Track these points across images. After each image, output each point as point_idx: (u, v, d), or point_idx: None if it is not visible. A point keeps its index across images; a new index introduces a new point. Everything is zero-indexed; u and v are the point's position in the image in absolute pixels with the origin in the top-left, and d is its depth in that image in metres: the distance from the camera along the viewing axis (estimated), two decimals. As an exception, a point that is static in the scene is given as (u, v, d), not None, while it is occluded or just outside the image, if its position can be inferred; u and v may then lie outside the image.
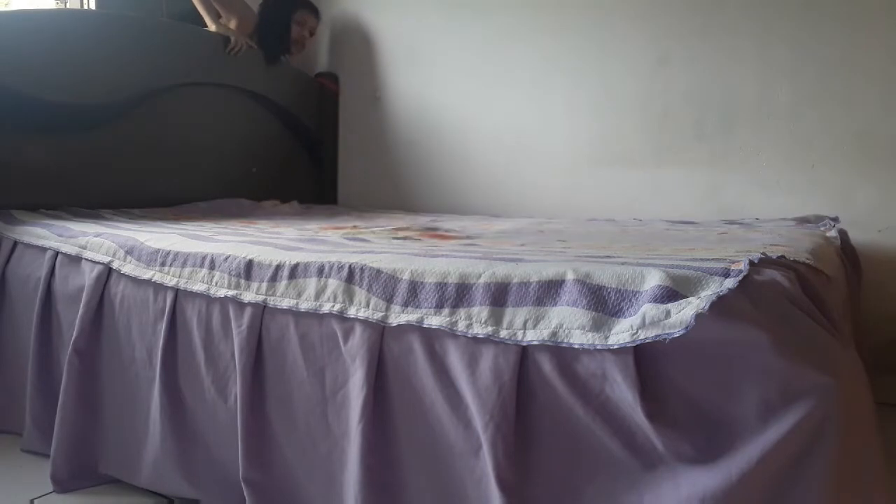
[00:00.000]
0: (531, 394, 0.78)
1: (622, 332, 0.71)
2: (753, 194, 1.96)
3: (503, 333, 0.78)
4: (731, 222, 1.77)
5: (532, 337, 0.77)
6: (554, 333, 0.75)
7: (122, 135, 1.99)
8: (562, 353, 0.75)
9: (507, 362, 0.78)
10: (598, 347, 0.72)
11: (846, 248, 1.57)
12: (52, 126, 1.81)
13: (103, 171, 1.94)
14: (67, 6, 2.20)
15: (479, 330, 0.80)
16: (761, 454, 0.64)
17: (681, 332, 0.67)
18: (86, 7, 2.21)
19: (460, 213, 2.36)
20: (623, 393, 0.71)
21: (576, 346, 0.74)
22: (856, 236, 1.70)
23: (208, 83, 2.24)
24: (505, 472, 0.77)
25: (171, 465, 1.11)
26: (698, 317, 0.66)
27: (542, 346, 0.76)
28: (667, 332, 0.68)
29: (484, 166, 2.43)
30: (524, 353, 0.78)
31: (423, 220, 1.95)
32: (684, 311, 0.68)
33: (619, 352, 0.71)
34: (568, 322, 0.75)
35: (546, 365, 0.76)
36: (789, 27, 1.91)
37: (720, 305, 0.67)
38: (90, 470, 1.24)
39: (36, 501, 1.19)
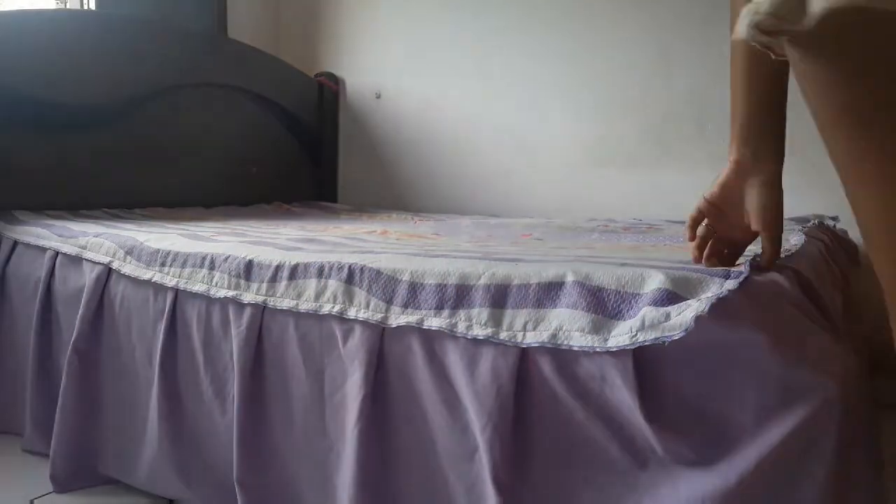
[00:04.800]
0: (530, 395, 0.78)
1: (621, 335, 0.71)
2: (753, 194, 1.95)
3: (503, 335, 0.78)
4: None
5: (532, 339, 0.76)
6: (553, 336, 0.75)
7: (122, 135, 1.99)
8: (561, 355, 0.75)
9: (507, 364, 0.78)
10: (598, 350, 0.72)
11: (846, 247, 1.57)
12: (52, 126, 1.81)
13: (103, 171, 1.94)
14: (67, 6, 2.20)
15: (479, 331, 0.80)
16: (760, 457, 0.64)
17: (680, 335, 0.67)
18: (86, 7, 2.21)
19: (460, 212, 2.36)
20: (622, 395, 0.71)
21: (575, 349, 0.74)
22: (856, 236, 1.70)
23: (208, 83, 2.25)
24: (502, 473, 0.77)
25: (167, 467, 1.11)
26: (698, 319, 0.66)
27: (542, 348, 0.76)
28: (666, 334, 0.67)
29: (484, 166, 2.43)
30: (523, 355, 0.78)
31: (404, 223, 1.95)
32: (684, 314, 0.68)
33: (618, 354, 0.71)
34: (567, 324, 0.75)
35: (546, 367, 0.76)
36: (789, 27, 1.91)
37: (720, 307, 0.67)
38: (89, 470, 1.24)
39: (36, 501, 1.19)
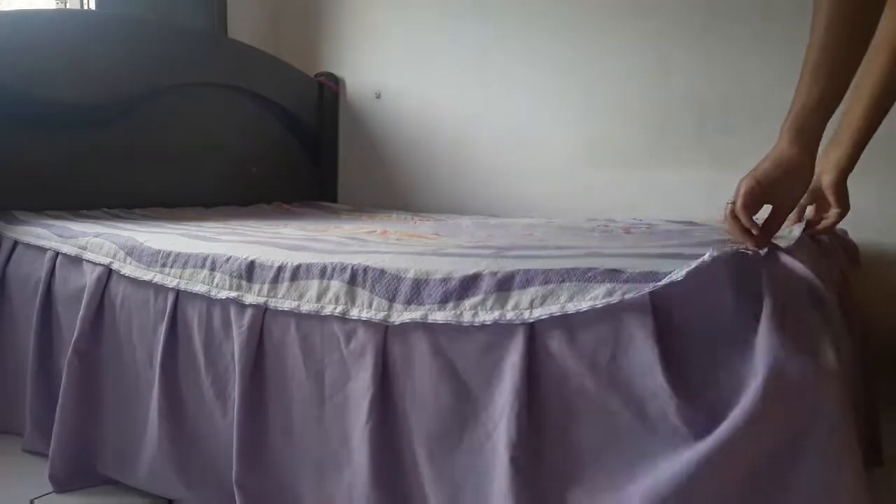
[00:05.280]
0: (540, 371, 0.78)
1: (639, 292, 0.72)
2: (753, 194, 1.95)
3: (509, 315, 0.78)
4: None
5: (540, 313, 0.77)
6: (563, 308, 0.76)
7: (122, 135, 1.99)
8: (570, 326, 0.76)
9: (516, 343, 0.78)
10: (613, 302, 0.73)
11: (846, 247, 1.58)
12: (52, 126, 1.80)
13: (103, 171, 1.94)
14: (67, 6, 2.20)
15: (486, 316, 0.80)
16: (764, 417, 0.64)
17: (697, 264, 0.69)
18: (86, 7, 2.21)
19: (460, 212, 2.36)
20: (639, 354, 0.71)
21: (585, 310, 0.74)
22: (856, 236, 1.70)
23: (208, 83, 2.24)
24: (518, 452, 0.76)
25: (167, 467, 1.10)
26: (716, 259, 0.68)
27: (551, 322, 0.76)
28: (682, 272, 0.70)
29: (484, 166, 2.43)
30: (532, 332, 0.78)
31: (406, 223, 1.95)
32: (704, 258, 0.70)
33: (637, 310, 0.72)
34: (579, 296, 0.75)
35: (554, 341, 0.76)
36: (789, 26, 1.91)
37: (734, 271, 0.69)
38: (89, 471, 1.24)
39: (36, 501, 1.19)
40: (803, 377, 0.64)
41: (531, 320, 0.77)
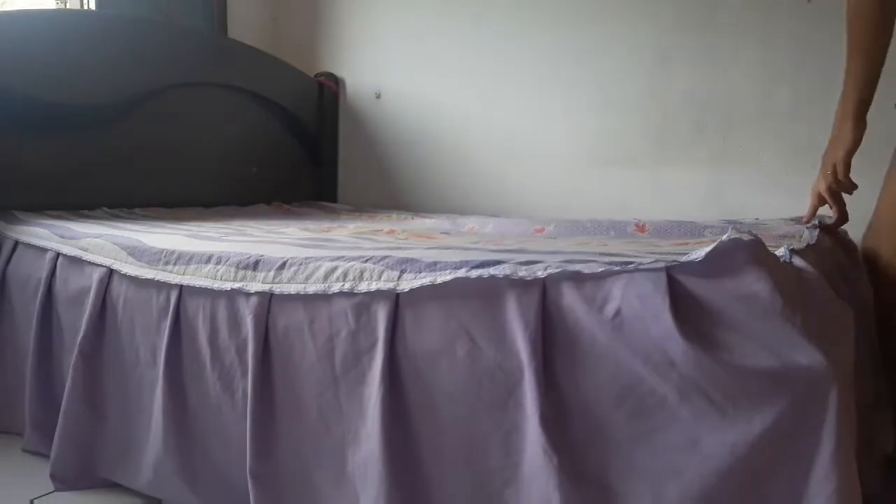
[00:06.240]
0: (556, 326, 0.78)
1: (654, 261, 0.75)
2: (754, 194, 1.96)
3: (522, 272, 0.80)
4: (731, 222, 1.77)
5: (553, 269, 0.79)
6: (576, 266, 0.78)
7: (122, 135, 1.99)
8: (584, 283, 0.77)
9: (530, 300, 0.78)
10: (628, 271, 0.74)
11: (846, 247, 1.58)
12: (52, 126, 1.80)
13: (103, 171, 1.94)
14: (67, 6, 2.20)
15: (498, 272, 0.80)
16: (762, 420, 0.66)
17: (713, 245, 0.70)
18: (86, 7, 2.21)
19: (459, 212, 2.36)
20: (652, 308, 0.72)
21: (600, 271, 0.76)
22: (856, 236, 1.70)
23: (208, 83, 2.24)
24: (545, 409, 0.76)
25: (171, 470, 1.09)
26: (735, 240, 0.70)
27: (564, 278, 0.78)
28: (696, 255, 0.71)
29: (484, 166, 2.43)
30: (545, 292, 0.79)
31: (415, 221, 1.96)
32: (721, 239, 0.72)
33: (650, 272, 0.74)
34: (593, 265, 0.78)
35: (568, 296, 0.77)
36: (790, 26, 1.91)
37: (749, 262, 0.70)
38: (91, 472, 1.23)
39: (36, 501, 1.19)
40: (812, 373, 0.65)
41: (543, 276, 0.78)
